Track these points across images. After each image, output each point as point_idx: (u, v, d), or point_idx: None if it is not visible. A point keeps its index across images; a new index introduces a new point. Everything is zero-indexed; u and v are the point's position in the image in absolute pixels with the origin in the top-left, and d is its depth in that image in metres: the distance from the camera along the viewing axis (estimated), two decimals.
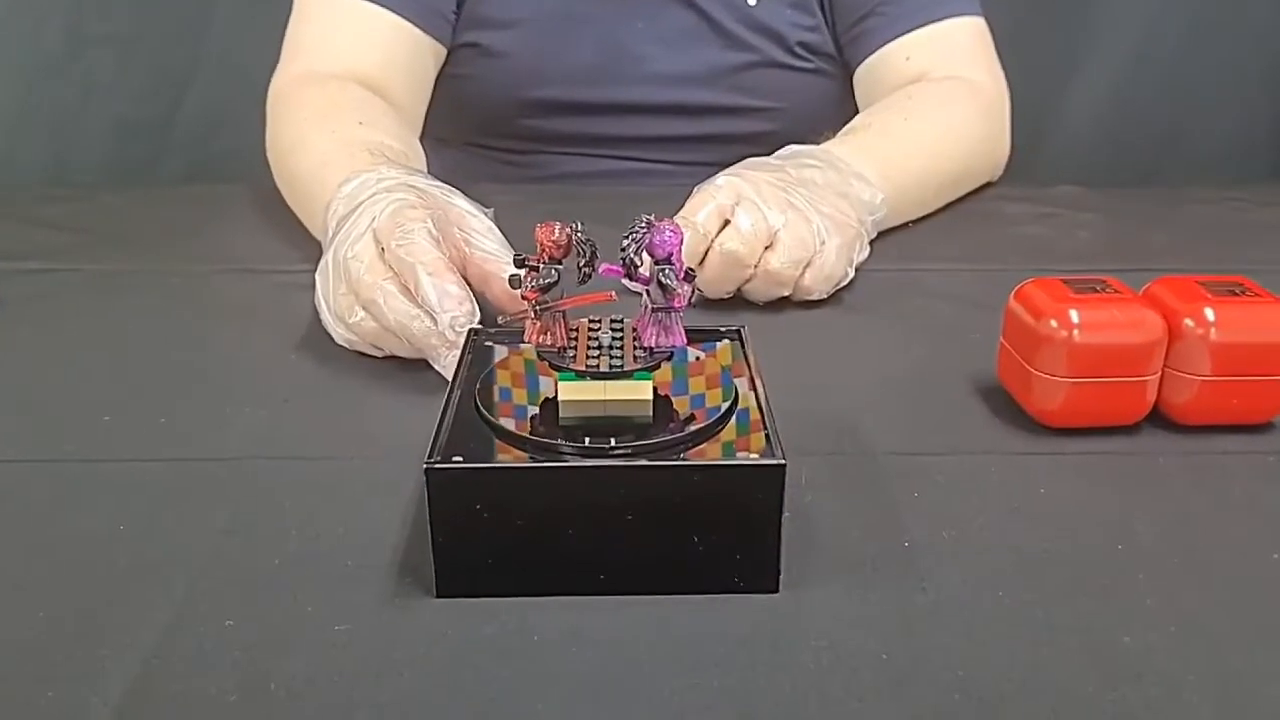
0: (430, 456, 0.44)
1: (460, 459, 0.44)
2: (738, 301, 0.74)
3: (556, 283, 0.47)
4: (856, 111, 1.01)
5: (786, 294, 0.74)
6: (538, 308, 0.48)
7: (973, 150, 0.97)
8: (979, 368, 0.65)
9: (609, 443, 0.45)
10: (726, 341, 0.55)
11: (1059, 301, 0.57)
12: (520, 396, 0.50)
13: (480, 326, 0.58)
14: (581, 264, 0.48)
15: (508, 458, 0.45)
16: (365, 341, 0.64)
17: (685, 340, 0.48)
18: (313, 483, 0.54)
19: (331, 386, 0.64)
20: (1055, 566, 0.47)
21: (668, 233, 0.47)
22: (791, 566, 0.45)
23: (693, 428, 0.46)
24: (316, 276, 0.66)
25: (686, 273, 0.48)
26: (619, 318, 0.51)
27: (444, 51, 1.05)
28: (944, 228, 0.92)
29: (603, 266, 0.48)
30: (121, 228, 0.91)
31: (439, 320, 0.59)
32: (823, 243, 0.73)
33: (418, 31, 1.01)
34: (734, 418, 0.48)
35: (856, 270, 0.76)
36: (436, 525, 0.44)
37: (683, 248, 0.48)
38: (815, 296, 0.74)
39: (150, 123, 1.55)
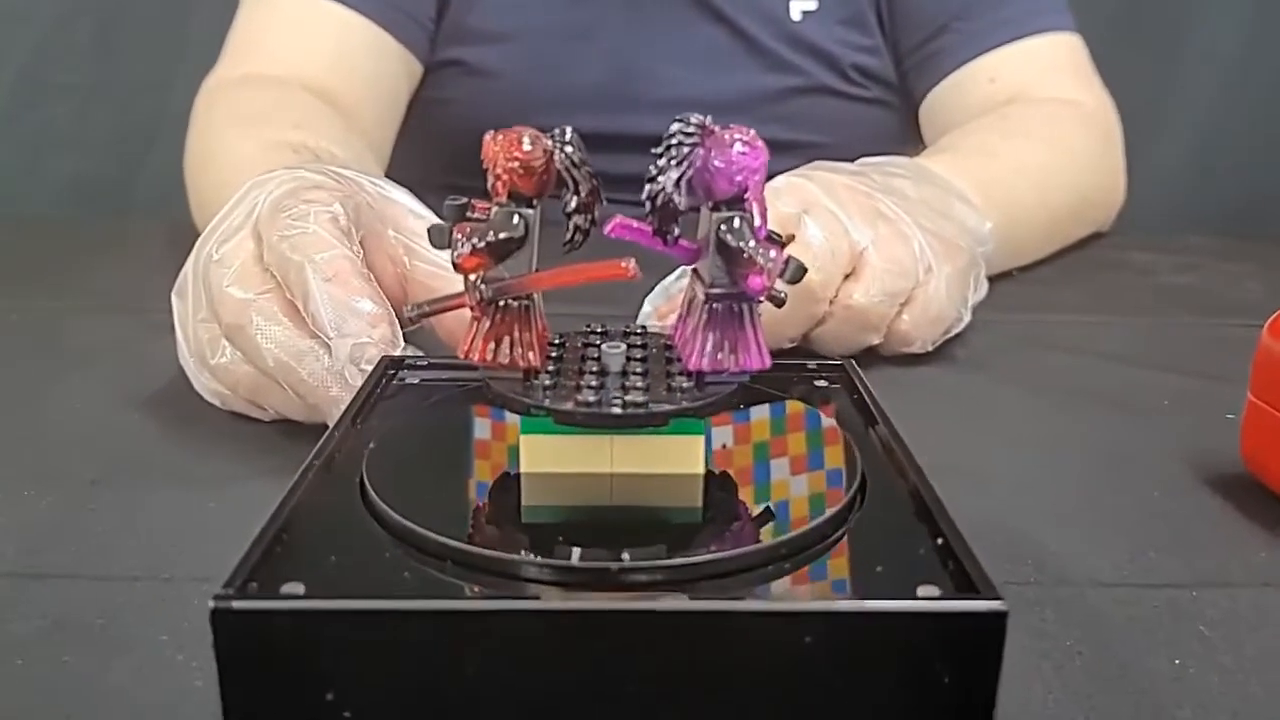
0: (229, 583, 0.20)
1: (299, 590, 0.20)
2: (804, 352, 0.51)
3: (522, 242, 0.24)
4: (921, 151, 0.80)
5: (876, 342, 0.51)
6: (483, 288, 0.24)
7: (1090, 182, 0.76)
8: (1196, 447, 0.42)
9: (619, 560, 0.22)
10: (823, 383, 0.32)
11: None
12: (458, 468, 0.27)
13: (407, 354, 0.35)
14: (570, 208, 0.25)
15: (409, 590, 0.22)
16: (239, 395, 0.41)
17: (768, 359, 0.25)
18: (81, 621, 0.30)
19: (172, 463, 0.41)
20: None
21: (738, 148, 0.24)
22: None
23: (785, 535, 0.23)
24: (173, 297, 0.44)
25: (770, 235, 0.25)
26: (640, 328, 0.28)
27: (419, 69, 0.84)
28: (1062, 274, 0.70)
29: (614, 221, 0.25)
30: None
31: (334, 351, 0.36)
32: (928, 270, 0.50)
33: (386, 36, 0.80)
34: (860, 515, 0.24)
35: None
36: None
37: (764, 180, 0.25)
38: (916, 348, 0.51)
39: (110, 182, 1.39)
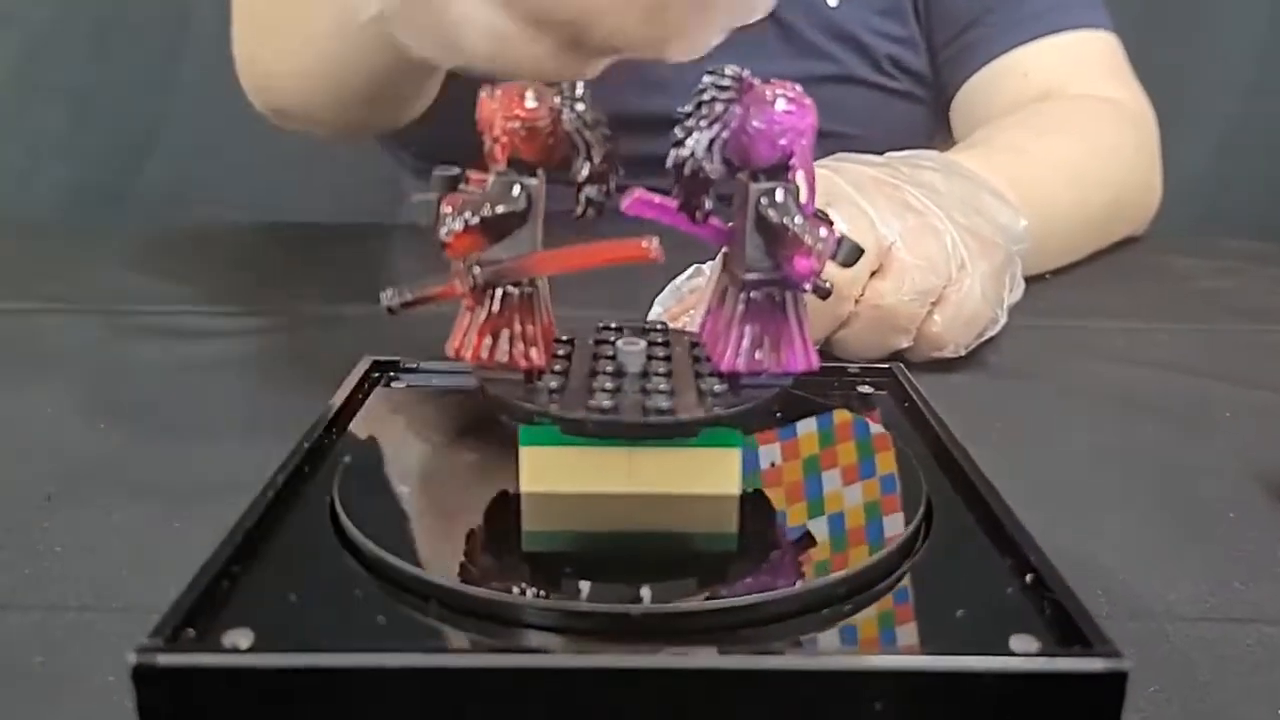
0: (158, 630, 0.16)
1: (245, 640, 0.16)
2: (827, 357, 0.47)
3: (524, 217, 0.20)
4: (950, 148, 0.76)
5: (904, 345, 0.47)
6: (478, 272, 0.21)
7: (1126, 180, 0.72)
8: (1267, 463, 0.38)
9: (638, 601, 0.18)
10: (868, 389, 0.28)
11: None
12: (447, 488, 0.23)
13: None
14: (582, 177, 0.21)
15: (383, 640, 0.18)
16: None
17: (815, 359, 0.21)
18: (17, 658, 0.27)
19: (139, 476, 0.37)
20: None
21: (782, 106, 0.20)
22: None
23: (842, 571, 0.19)
24: None
25: (818, 212, 0.21)
26: (660, 324, 0.24)
27: None
28: (1098, 277, 0.66)
29: (634, 194, 0.22)
30: None
31: None
32: (960, 267, 0.47)
33: None
34: (928, 546, 0.20)
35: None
36: None
37: (812, 145, 0.21)
38: (948, 352, 0.47)
39: (105, 189, 1.37)
